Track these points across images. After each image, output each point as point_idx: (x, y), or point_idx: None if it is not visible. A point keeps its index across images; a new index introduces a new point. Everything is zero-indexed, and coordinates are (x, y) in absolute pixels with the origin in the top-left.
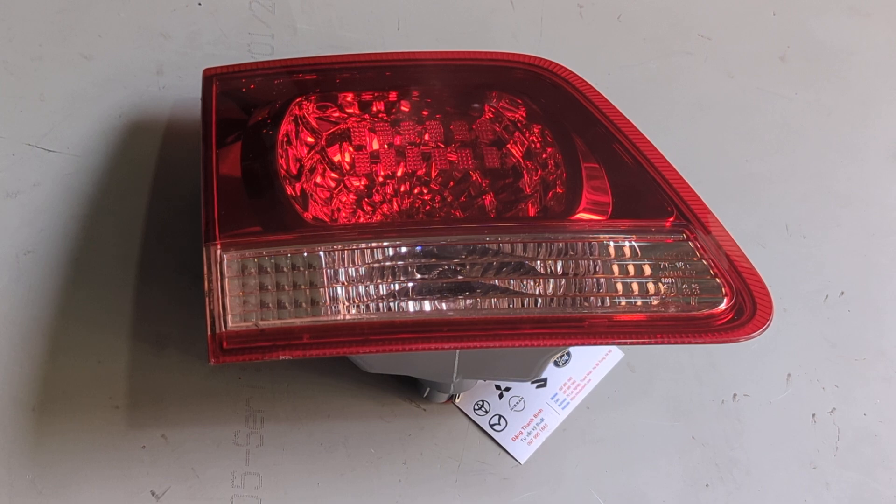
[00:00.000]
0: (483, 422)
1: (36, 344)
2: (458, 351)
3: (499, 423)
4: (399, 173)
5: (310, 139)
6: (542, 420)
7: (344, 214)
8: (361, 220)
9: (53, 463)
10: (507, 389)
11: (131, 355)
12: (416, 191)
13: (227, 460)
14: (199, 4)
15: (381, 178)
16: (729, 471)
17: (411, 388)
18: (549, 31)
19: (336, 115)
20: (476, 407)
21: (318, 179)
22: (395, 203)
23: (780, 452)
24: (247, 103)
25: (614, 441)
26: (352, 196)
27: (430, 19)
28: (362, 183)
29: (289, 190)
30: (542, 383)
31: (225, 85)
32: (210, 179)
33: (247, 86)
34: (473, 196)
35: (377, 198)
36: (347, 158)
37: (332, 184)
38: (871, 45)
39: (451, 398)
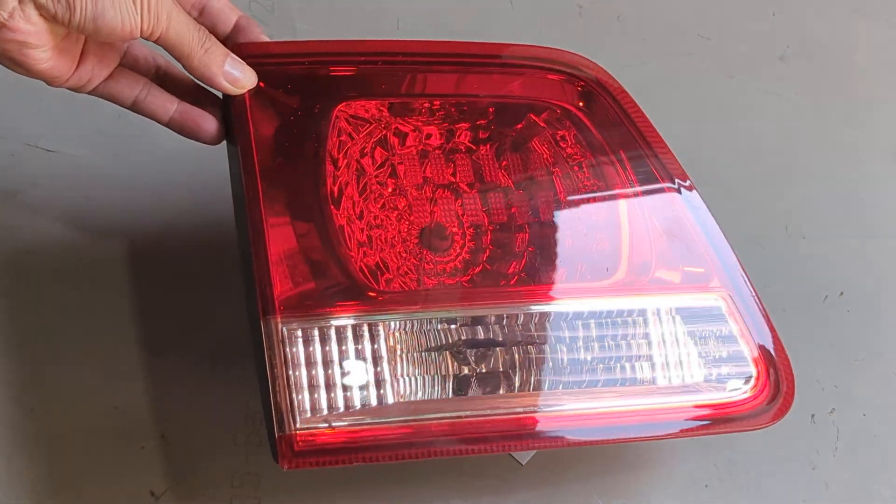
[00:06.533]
0: None
1: (35, 344)
2: None
3: None
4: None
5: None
6: None
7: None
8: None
9: (53, 463)
10: None
11: (131, 355)
12: (483, 253)
13: (226, 460)
14: None
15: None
16: (728, 471)
17: None
18: (548, 31)
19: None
20: None
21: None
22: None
23: (780, 452)
24: (292, 123)
25: None
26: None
27: (430, 19)
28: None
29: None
30: None
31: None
32: (261, 234)
33: (287, 91)
34: (532, 258)
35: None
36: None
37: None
38: (871, 45)
39: None
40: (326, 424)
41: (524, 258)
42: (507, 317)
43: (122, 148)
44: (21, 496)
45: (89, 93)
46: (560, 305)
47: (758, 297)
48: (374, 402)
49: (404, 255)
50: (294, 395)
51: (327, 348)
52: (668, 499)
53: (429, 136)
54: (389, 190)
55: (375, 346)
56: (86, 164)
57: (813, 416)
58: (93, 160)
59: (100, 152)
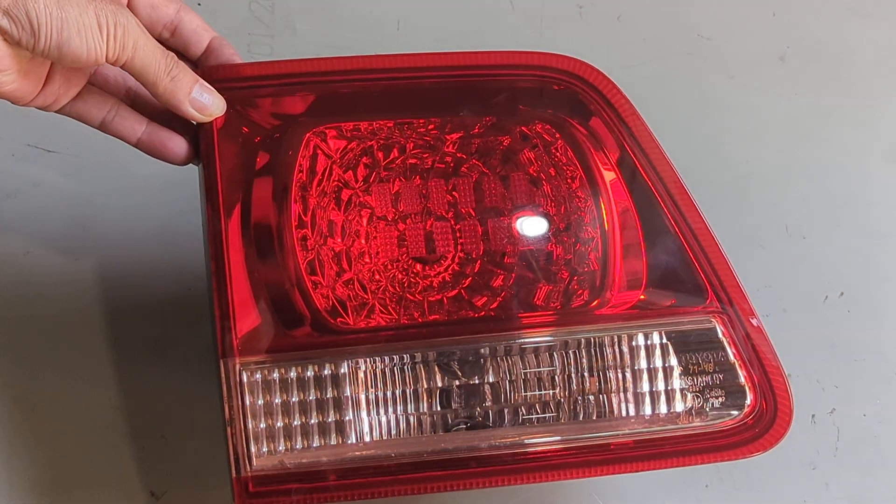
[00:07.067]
0: None
1: (35, 344)
2: None
3: None
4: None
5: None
6: None
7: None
8: (401, 317)
9: (53, 463)
10: None
11: (131, 355)
12: (460, 290)
13: (226, 460)
14: (199, 4)
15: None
16: (728, 471)
17: None
18: (548, 32)
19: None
20: None
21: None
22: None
23: (780, 452)
24: (255, 157)
25: None
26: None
27: (430, 20)
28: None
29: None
30: None
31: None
32: (222, 272)
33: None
34: (509, 287)
35: (420, 286)
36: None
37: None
38: (871, 45)
39: None
40: (281, 464)
41: (514, 271)
42: (482, 351)
43: (124, 146)
44: (21, 496)
45: (56, 112)
46: (544, 335)
47: (756, 317)
48: (332, 442)
49: (390, 268)
50: (250, 440)
51: (287, 391)
52: (669, 499)
53: (415, 149)
54: (375, 204)
55: (338, 387)
56: (86, 164)
57: (813, 416)
58: (93, 160)
59: (100, 152)
